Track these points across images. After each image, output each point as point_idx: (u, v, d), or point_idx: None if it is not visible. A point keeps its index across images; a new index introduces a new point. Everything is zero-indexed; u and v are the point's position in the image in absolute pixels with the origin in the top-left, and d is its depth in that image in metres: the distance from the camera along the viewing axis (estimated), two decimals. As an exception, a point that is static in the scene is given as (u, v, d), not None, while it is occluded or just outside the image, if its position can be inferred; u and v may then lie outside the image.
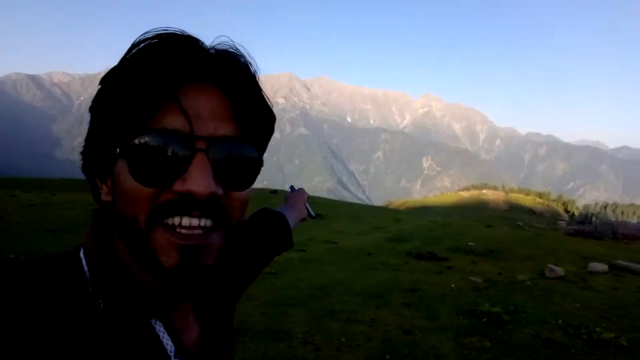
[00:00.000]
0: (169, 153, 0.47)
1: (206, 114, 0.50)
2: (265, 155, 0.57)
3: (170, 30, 0.51)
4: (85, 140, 0.55)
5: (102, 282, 0.52)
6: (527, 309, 6.13)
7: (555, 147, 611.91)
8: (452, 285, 7.17)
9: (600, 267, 9.10)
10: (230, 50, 0.54)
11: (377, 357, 4.27)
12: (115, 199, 0.51)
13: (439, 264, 9.42)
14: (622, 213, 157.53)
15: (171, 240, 0.48)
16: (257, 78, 0.55)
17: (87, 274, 0.53)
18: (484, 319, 5.54)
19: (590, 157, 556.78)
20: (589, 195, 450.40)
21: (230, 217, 0.53)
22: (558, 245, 14.02)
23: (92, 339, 0.49)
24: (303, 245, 10.59)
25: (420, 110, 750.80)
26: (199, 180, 0.48)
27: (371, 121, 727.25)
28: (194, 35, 0.52)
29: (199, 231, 0.50)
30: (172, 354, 0.57)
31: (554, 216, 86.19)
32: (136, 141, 0.47)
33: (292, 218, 1.16)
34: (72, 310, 0.49)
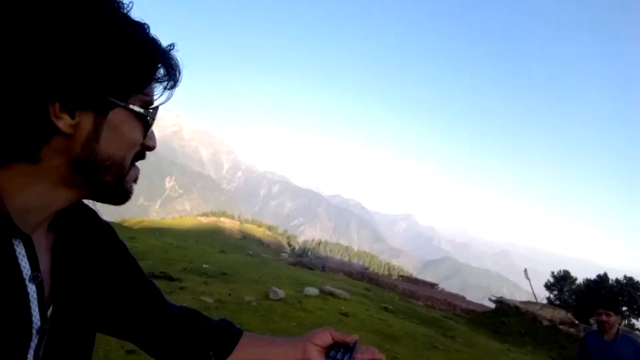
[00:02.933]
0: (154, 120, 0.67)
1: None
2: None
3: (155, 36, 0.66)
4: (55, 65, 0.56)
5: None
6: (252, 327, 6.51)
7: (286, 187, 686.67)
8: (183, 305, 7.03)
9: (313, 291, 10.48)
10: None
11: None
12: (102, 140, 0.61)
13: (172, 283, 9.14)
14: (330, 250, 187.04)
15: (135, 174, 0.69)
16: None
17: None
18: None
19: (312, 200, 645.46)
20: (308, 233, 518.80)
21: None
22: (281, 272, 15.52)
23: None
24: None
25: (170, 129, 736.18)
26: (155, 139, 0.70)
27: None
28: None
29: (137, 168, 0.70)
30: (27, 277, 0.59)
31: (279, 248, 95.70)
32: (154, 109, 0.66)
33: (267, 345, 0.89)
34: None
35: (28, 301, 0.59)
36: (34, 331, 0.60)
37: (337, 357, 0.83)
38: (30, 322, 0.60)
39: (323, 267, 33.97)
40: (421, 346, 7.96)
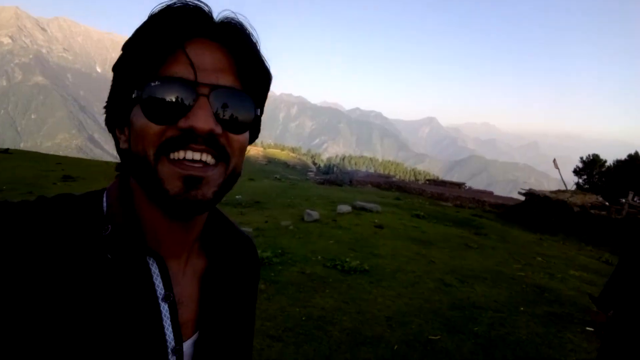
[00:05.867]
0: (176, 96, 0.55)
1: (209, 66, 0.57)
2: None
3: (182, 1, 0.58)
4: (108, 97, 0.64)
5: (114, 213, 0.61)
6: (293, 250, 6.88)
7: (304, 107, 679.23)
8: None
9: (345, 208, 10.83)
10: (234, 19, 0.61)
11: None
12: (130, 142, 0.60)
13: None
14: (355, 164, 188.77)
15: (175, 170, 0.56)
16: (257, 42, 0.63)
17: (105, 208, 0.62)
18: (257, 264, 5.99)
19: (331, 117, 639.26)
20: (332, 149, 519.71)
21: (230, 154, 0.60)
22: (311, 192, 15.93)
23: (96, 262, 0.57)
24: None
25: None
26: (200, 118, 0.55)
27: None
28: (202, 5, 0.60)
29: (200, 164, 0.57)
30: (160, 296, 0.62)
31: (304, 168, 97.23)
32: (149, 86, 0.56)
33: None
34: (84, 231, 0.58)
35: (161, 320, 0.61)
36: (169, 350, 0.62)
37: None
38: (165, 341, 0.61)
39: (350, 182, 34.52)
40: (456, 247, 8.29)
